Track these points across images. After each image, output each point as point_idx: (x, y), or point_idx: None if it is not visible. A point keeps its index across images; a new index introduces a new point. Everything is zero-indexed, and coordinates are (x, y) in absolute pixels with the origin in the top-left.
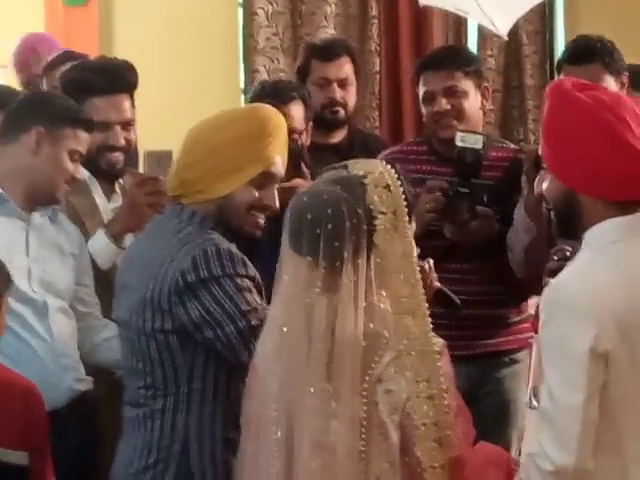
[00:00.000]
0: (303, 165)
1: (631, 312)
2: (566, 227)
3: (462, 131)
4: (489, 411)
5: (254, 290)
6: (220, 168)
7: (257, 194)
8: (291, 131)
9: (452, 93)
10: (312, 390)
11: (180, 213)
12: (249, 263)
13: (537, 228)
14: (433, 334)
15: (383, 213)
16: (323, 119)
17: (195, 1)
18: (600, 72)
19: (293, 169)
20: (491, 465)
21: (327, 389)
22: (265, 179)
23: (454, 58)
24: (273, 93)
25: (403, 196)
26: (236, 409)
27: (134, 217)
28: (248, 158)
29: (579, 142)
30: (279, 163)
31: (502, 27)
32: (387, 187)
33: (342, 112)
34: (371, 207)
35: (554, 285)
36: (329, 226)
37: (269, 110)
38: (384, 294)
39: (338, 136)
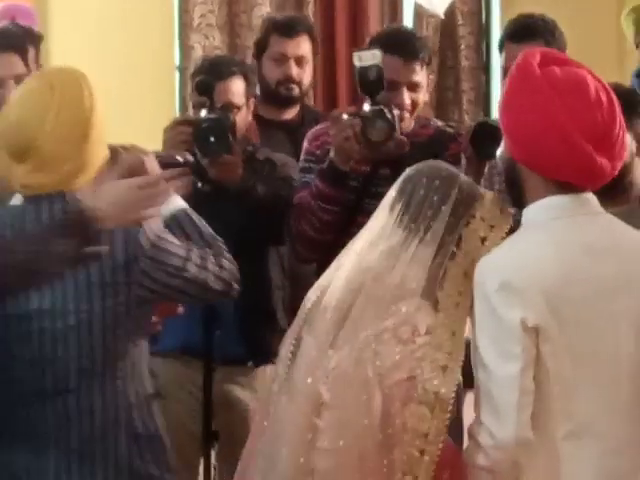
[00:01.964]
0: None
1: (561, 290)
2: (513, 196)
3: (358, 50)
4: None
5: None
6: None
7: None
8: (229, 106)
9: (414, 88)
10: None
11: None
12: None
13: None
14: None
15: (482, 220)
16: (277, 95)
17: None
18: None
19: (223, 144)
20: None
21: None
22: None
23: (417, 48)
24: (212, 68)
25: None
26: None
27: None
28: None
29: (522, 117)
30: None
31: (439, 6)
32: (501, 209)
33: (297, 90)
34: (476, 208)
35: (485, 260)
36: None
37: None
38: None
39: (290, 113)
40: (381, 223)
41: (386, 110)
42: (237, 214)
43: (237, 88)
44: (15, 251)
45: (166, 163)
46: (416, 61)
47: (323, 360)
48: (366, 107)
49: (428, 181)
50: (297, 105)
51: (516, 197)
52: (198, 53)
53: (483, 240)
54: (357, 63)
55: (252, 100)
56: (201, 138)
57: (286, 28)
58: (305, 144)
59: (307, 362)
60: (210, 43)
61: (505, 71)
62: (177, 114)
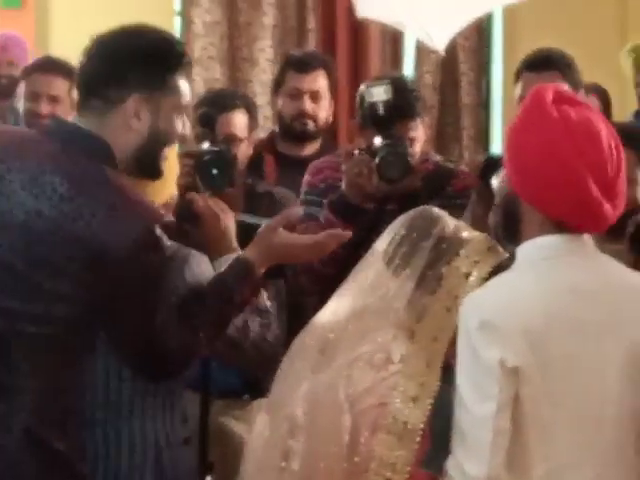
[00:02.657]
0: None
1: (545, 331)
2: (507, 229)
3: (368, 84)
4: None
5: None
6: None
7: None
8: (231, 138)
9: (413, 143)
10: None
11: None
12: None
13: None
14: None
15: (467, 257)
16: (292, 131)
17: (132, 8)
18: (557, 80)
19: (225, 177)
20: None
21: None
22: None
23: (414, 106)
24: (215, 100)
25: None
26: None
27: None
28: None
29: (532, 153)
30: None
31: (439, 42)
32: (475, 263)
33: (312, 124)
34: (462, 247)
35: (470, 297)
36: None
37: None
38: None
39: (309, 149)
40: (369, 265)
41: (400, 146)
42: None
43: (239, 121)
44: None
45: None
46: (412, 117)
47: (302, 383)
48: (377, 141)
49: (412, 221)
50: (316, 141)
51: (511, 232)
52: (199, 86)
53: (467, 276)
54: (368, 98)
55: (254, 133)
56: (204, 171)
57: (301, 63)
58: (307, 177)
59: (288, 385)
60: (211, 76)
61: (521, 100)
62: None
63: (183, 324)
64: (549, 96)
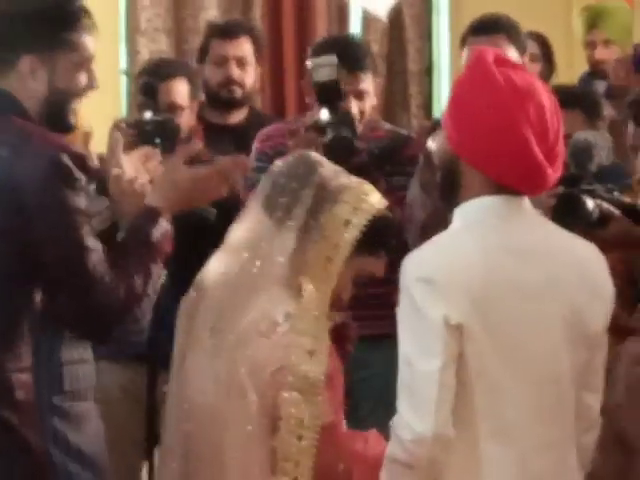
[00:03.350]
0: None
1: (486, 291)
2: (445, 191)
3: (313, 58)
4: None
5: None
6: None
7: None
8: (172, 106)
9: (360, 97)
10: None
11: None
12: None
13: (432, 203)
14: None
15: (325, 237)
16: (219, 98)
17: None
18: (503, 43)
19: (168, 146)
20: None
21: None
22: None
23: (361, 56)
24: (156, 69)
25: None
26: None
27: None
28: None
29: (477, 114)
30: None
31: (380, 9)
32: (346, 222)
33: (239, 91)
34: (334, 211)
35: (411, 256)
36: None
37: None
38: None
39: (235, 117)
40: (251, 216)
41: (346, 127)
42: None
43: (180, 89)
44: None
45: None
46: (361, 70)
47: (205, 368)
48: (324, 116)
49: (290, 169)
50: (243, 109)
51: (449, 193)
52: (145, 57)
53: (347, 223)
54: (314, 76)
55: (196, 103)
56: (146, 140)
57: (224, 31)
58: (256, 144)
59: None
60: (157, 47)
61: None
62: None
63: (115, 275)
64: (491, 58)
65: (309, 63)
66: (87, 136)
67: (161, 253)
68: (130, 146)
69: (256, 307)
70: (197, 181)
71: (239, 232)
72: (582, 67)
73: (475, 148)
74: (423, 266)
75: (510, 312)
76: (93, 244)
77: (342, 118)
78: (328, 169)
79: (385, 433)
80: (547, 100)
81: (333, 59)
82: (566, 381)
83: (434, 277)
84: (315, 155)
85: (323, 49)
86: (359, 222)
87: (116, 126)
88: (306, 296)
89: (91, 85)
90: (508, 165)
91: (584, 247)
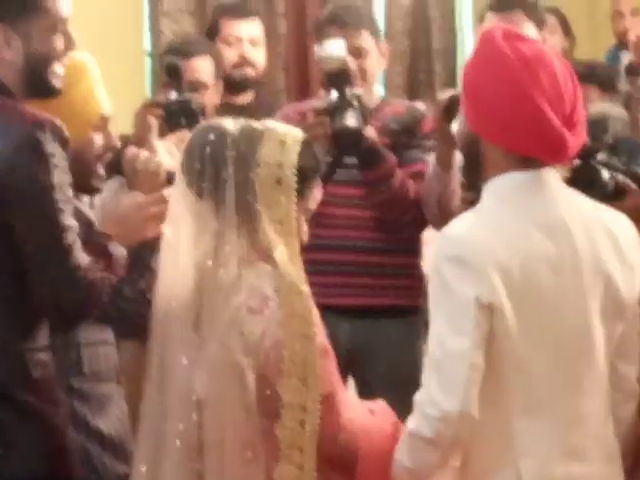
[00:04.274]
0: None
1: (518, 268)
2: (470, 173)
3: (320, 42)
4: (381, 373)
5: None
6: None
7: (101, 140)
8: (195, 85)
9: (358, 53)
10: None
11: None
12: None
13: (449, 178)
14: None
15: (267, 163)
16: (232, 78)
17: None
18: (521, 19)
19: (194, 126)
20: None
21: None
22: (103, 122)
23: (357, 15)
24: (179, 48)
25: (297, 159)
26: None
27: None
28: (82, 107)
29: (490, 90)
30: (106, 101)
31: None
32: (282, 143)
33: (252, 72)
34: (258, 154)
35: (442, 235)
36: (208, 150)
37: (72, 59)
38: (261, 238)
39: (245, 98)
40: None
41: (353, 110)
42: None
43: (204, 67)
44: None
45: None
46: (357, 27)
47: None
48: (333, 96)
49: (200, 150)
50: (252, 89)
51: (474, 173)
52: (168, 38)
53: (278, 181)
54: (322, 63)
55: (221, 82)
56: (172, 120)
57: (236, 10)
58: None
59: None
60: (180, 28)
61: None
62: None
63: (92, 264)
64: (499, 34)
65: (317, 51)
66: (104, 120)
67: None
68: (161, 128)
69: (244, 288)
70: (137, 209)
71: (180, 227)
72: (606, 41)
73: (492, 124)
74: (454, 245)
75: (543, 289)
76: (69, 222)
77: (350, 102)
78: (235, 134)
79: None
80: (559, 67)
81: (340, 46)
82: (600, 354)
83: (466, 256)
84: (216, 125)
85: (324, 17)
86: (288, 178)
87: (146, 107)
88: (280, 261)
89: (69, 47)
90: (526, 135)
91: (614, 218)
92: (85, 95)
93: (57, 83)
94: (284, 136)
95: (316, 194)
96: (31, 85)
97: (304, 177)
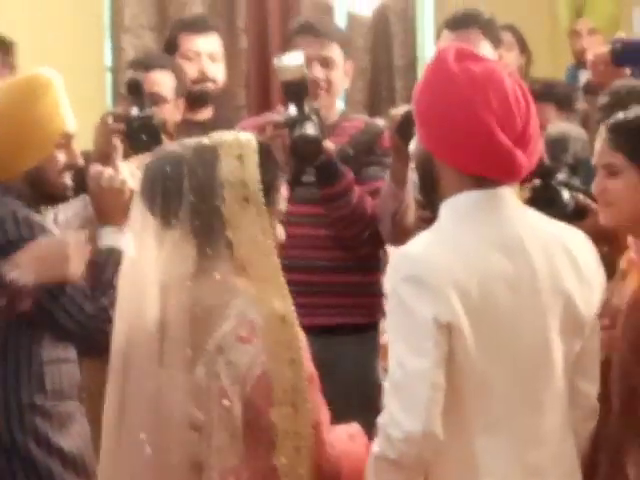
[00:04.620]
0: (165, 138)
1: (475, 287)
2: (425, 191)
3: (279, 57)
4: (340, 390)
5: None
6: (19, 142)
7: (65, 157)
8: (155, 98)
9: (327, 63)
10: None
11: None
12: (49, 229)
13: (403, 194)
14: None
15: (230, 183)
16: (191, 93)
17: None
18: (477, 37)
19: (154, 142)
20: (355, 438)
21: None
22: (66, 139)
23: (329, 27)
24: (140, 61)
25: (258, 168)
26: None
27: None
28: (43, 124)
29: (441, 111)
30: (71, 120)
31: (367, 9)
32: (239, 157)
33: (212, 87)
34: (219, 176)
35: (398, 255)
36: (167, 183)
37: (38, 73)
38: (235, 265)
39: (205, 114)
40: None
41: (312, 126)
42: None
43: (164, 80)
44: None
45: None
46: (327, 37)
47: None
48: (292, 111)
49: (159, 184)
50: (211, 105)
51: (429, 192)
52: (129, 54)
53: (245, 199)
54: (278, 72)
55: (182, 100)
56: (133, 137)
57: (196, 25)
58: None
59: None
60: (142, 43)
61: None
62: None
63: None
64: (451, 54)
65: (275, 62)
66: (68, 137)
67: None
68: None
69: (232, 314)
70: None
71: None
72: (567, 59)
73: (443, 143)
74: (411, 264)
75: (500, 308)
76: None
77: (309, 115)
78: (190, 159)
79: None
80: (510, 85)
81: (299, 57)
82: (558, 371)
83: (423, 276)
84: (170, 152)
85: (295, 26)
86: (254, 195)
87: (106, 122)
88: (259, 288)
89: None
90: (476, 155)
91: (572, 235)
92: (49, 111)
93: None
94: (239, 149)
95: (283, 193)
96: None
97: (269, 186)
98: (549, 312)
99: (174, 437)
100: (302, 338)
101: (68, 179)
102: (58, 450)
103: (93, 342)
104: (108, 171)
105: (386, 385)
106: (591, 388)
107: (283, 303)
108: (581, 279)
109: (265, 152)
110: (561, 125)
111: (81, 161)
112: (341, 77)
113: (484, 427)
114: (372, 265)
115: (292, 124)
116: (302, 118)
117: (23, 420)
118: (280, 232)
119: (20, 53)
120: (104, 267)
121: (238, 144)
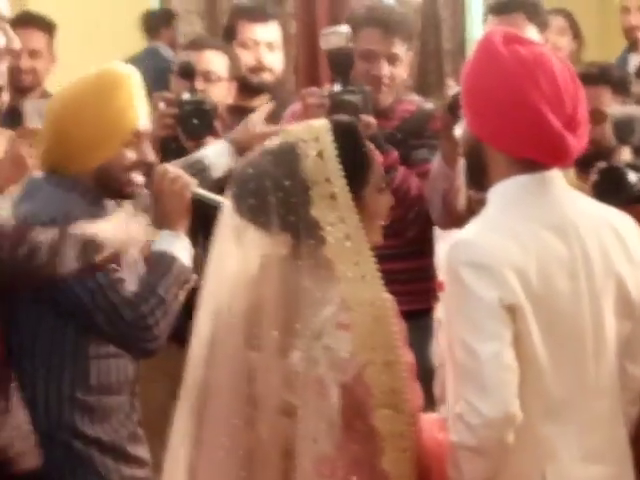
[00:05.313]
0: (218, 123)
1: (533, 271)
2: (474, 176)
3: (325, 32)
4: None
5: None
6: (88, 139)
7: (134, 155)
8: (206, 76)
9: (393, 61)
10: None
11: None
12: None
13: (454, 175)
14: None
15: (316, 182)
16: (248, 83)
17: None
18: (523, 22)
19: (205, 126)
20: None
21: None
22: (137, 137)
23: (397, 21)
24: (191, 43)
25: (339, 159)
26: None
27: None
28: (113, 122)
29: (490, 94)
30: (144, 118)
31: None
32: (320, 154)
33: (269, 77)
34: (304, 177)
35: (455, 242)
36: (251, 201)
37: (114, 68)
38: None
39: (260, 100)
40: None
41: (352, 94)
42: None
43: (215, 59)
44: None
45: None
46: (395, 34)
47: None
48: (336, 88)
49: (247, 202)
50: (267, 94)
51: (478, 177)
52: (181, 40)
53: (332, 196)
54: (321, 41)
55: (234, 84)
56: (185, 121)
57: (255, 13)
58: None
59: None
60: (192, 29)
61: None
62: None
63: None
64: (498, 38)
65: (321, 37)
66: (139, 135)
67: None
68: (168, 128)
69: (334, 300)
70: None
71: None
72: (617, 44)
73: (492, 128)
74: (469, 249)
75: (559, 291)
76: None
77: (353, 87)
78: (274, 175)
79: None
80: (559, 68)
81: (343, 28)
82: (612, 354)
83: (483, 260)
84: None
85: (361, 13)
86: (341, 190)
87: (156, 105)
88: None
89: (11, 45)
90: (526, 139)
91: (620, 218)
92: (121, 107)
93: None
94: (316, 144)
95: (378, 160)
96: None
97: (357, 168)
98: (603, 295)
99: (265, 421)
100: (398, 329)
101: (137, 176)
102: (96, 439)
103: (131, 348)
104: (171, 174)
105: (455, 373)
106: (638, 370)
107: (374, 304)
108: (631, 261)
109: (346, 138)
110: (626, 107)
111: (153, 158)
112: (404, 71)
113: (545, 412)
114: (424, 250)
115: (334, 95)
116: (345, 90)
117: (61, 413)
118: (386, 201)
119: (70, 42)
120: (152, 271)
121: (314, 138)
